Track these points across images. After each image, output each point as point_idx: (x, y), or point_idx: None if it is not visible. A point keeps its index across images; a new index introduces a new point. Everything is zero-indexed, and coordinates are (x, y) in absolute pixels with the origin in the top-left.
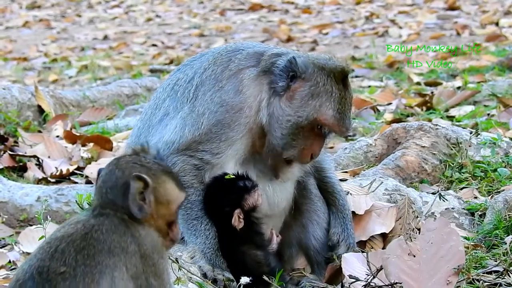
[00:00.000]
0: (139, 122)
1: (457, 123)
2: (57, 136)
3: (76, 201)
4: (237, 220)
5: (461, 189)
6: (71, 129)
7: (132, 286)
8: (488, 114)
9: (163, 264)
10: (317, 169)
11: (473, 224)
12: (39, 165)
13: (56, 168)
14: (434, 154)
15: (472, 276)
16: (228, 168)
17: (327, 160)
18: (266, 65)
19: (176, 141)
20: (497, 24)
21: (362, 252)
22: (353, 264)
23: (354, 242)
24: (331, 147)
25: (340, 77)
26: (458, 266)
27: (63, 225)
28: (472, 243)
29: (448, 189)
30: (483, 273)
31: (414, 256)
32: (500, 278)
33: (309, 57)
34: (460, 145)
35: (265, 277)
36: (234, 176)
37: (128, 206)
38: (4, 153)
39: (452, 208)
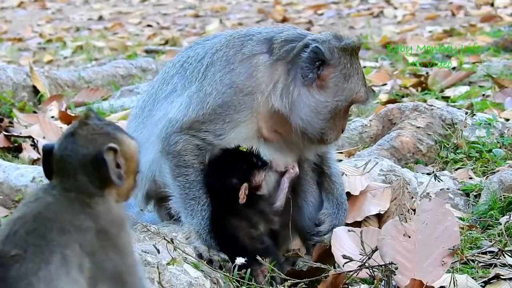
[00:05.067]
0: (145, 95)
1: (452, 104)
2: (52, 117)
3: None
4: (243, 194)
5: (456, 169)
6: (66, 109)
7: (89, 262)
8: (483, 95)
9: (124, 237)
10: (321, 157)
11: (468, 204)
12: (34, 145)
13: None
14: (429, 134)
15: (467, 256)
16: None
17: (331, 150)
18: (280, 53)
19: (179, 120)
20: (492, 4)
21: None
22: (344, 242)
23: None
24: None
25: (357, 52)
26: (453, 246)
27: (24, 201)
28: (467, 224)
29: (443, 169)
30: (478, 253)
31: (409, 237)
32: (495, 258)
33: (330, 42)
34: (455, 126)
35: (258, 258)
36: (247, 150)
37: (100, 179)
38: None
39: (447, 189)
